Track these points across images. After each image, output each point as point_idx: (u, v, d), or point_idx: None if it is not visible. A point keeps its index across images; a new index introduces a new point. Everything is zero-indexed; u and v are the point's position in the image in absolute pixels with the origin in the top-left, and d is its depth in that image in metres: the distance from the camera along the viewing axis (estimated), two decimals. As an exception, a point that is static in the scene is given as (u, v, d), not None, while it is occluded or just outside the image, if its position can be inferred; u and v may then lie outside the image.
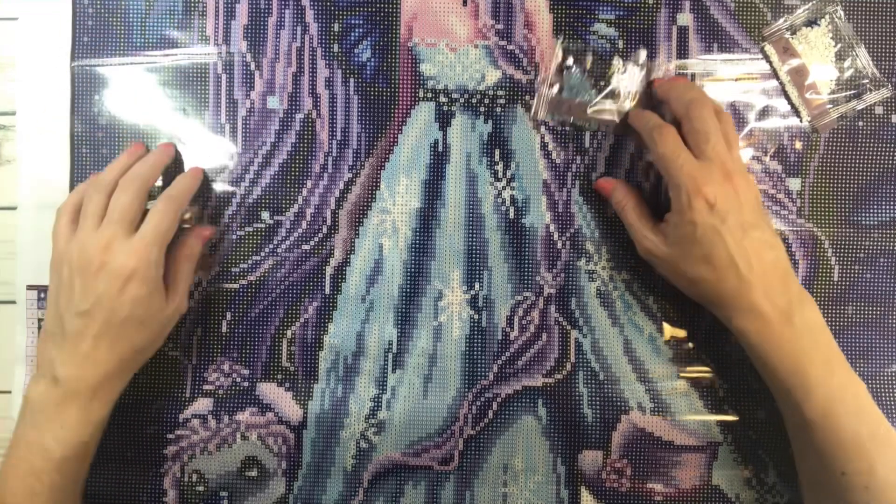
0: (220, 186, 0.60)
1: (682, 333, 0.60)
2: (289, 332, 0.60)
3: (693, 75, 0.59)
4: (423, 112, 0.60)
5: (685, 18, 0.60)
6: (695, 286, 0.54)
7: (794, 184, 0.60)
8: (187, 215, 0.58)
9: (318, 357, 0.60)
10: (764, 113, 0.60)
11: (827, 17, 0.59)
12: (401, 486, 0.60)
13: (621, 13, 0.60)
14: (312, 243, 0.60)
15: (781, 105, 0.60)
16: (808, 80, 0.59)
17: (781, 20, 0.59)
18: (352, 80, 0.60)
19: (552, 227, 0.60)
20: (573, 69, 0.59)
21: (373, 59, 0.60)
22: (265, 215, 0.60)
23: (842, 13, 0.59)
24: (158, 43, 0.60)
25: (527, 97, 0.60)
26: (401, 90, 0.60)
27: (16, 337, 0.61)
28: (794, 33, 0.59)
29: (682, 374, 0.60)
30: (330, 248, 0.60)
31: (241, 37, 0.60)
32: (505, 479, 0.60)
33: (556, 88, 0.59)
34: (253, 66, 0.60)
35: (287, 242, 0.60)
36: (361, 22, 0.60)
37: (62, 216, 0.54)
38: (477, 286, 0.60)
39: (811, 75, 0.59)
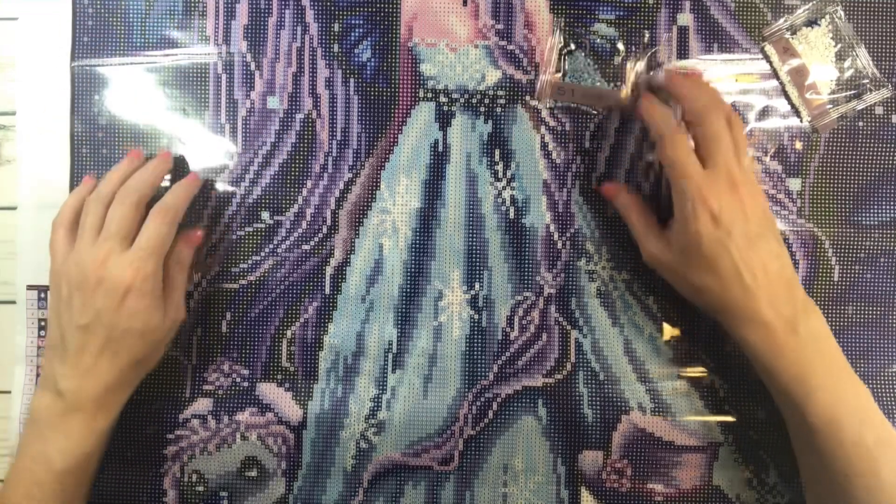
0: (220, 186, 0.60)
1: (681, 333, 0.60)
2: (289, 333, 0.60)
3: (693, 75, 0.60)
4: (423, 112, 0.60)
5: (685, 18, 0.60)
6: (699, 294, 0.53)
7: (795, 184, 0.60)
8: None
9: (318, 357, 0.60)
10: (764, 113, 0.60)
11: (827, 17, 0.59)
12: (401, 486, 0.60)
13: (621, 13, 0.60)
14: (312, 243, 0.60)
15: (781, 105, 0.60)
16: (808, 80, 0.59)
17: (781, 20, 0.59)
18: (352, 80, 0.60)
19: (552, 227, 0.60)
20: (575, 53, 0.59)
21: (373, 60, 0.60)
22: (265, 215, 0.60)
23: (842, 13, 0.59)
24: (158, 43, 0.60)
25: (527, 97, 0.60)
26: (401, 90, 0.60)
27: (16, 337, 0.61)
28: (794, 33, 0.59)
29: (682, 374, 0.60)
30: (330, 248, 0.60)
31: (242, 37, 0.60)
32: (505, 479, 0.60)
33: (558, 73, 0.59)
34: (253, 66, 0.60)
35: (287, 242, 0.60)
36: (361, 22, 0.60)
37: (58, 229, 0.55)
38: (477, 286, 0.60)
39: (811, 75, 0.59)
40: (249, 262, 0.60)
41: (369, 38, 0.60)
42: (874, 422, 0.51)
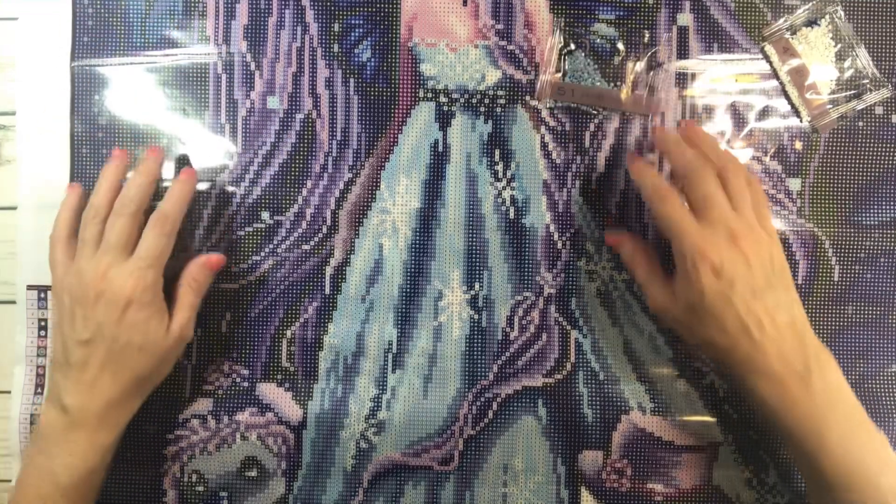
0: (219, 186, 0.60)
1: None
2: (288, 333, 0.60)
3: (693, 75, 0.59)
4: (423, 112, 0.60)
5: (685, 18, 0.60)
6: (707, 347, 0.53)
7: (794, 184, 0.60)
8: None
9: (318, 357, 0.60)
10: (764, 113, 0.60)
11: (827, 17, 0.59)
12: (401, 486, 0.60)
13: (621, 13, 0.60)
14: (312, 243, 0.60)
15: (781, 105, 0.60)
16: (808, 80, 0.59)
17: (781, 20, 0.59)
18: (352, 80, 0.60)
19: (552, 227, 0.60)
20: (575, 53, 0.59)
21: (373, 59, 0.60)
22: (265, 215, 0.60)
23: (842, 13, 0.59)
24: (158, 43, 0.60)
25: (527, 97, 0.60)
26: (401, 90, 0.60)
27: (16, 337, 0.61)
28: (794, 33, 0.59)
29: (682, 374, 0.60)
30: (330, 248, 0.60)
31: (242, 37, 0.60)
32: (505, 479, 0.60)
33: (558, 73, 0.59)
34: (253, 66, 0.60)
35: (287, 242, 0.60)
36: (361, 22, 0.60)
37: (56, 244, 0.55)
38: (477, 286, 0.60)
39: (811, 75, 0.59)
40: (249, 262, 0.60)
41: (369, 38, 0.60)
42: (893, 469, 0.49)
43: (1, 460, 0.62)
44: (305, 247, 0.60)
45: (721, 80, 0.60)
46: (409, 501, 0.60)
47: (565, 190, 0.60)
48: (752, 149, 0.60)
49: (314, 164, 0.60)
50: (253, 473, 0.60)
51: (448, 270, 0.60)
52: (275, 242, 0.60)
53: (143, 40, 0.60)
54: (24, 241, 0.60)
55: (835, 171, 0.60)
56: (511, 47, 0.60)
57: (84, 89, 0.60)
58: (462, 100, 0.60)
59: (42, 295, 0.60)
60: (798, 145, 0.60)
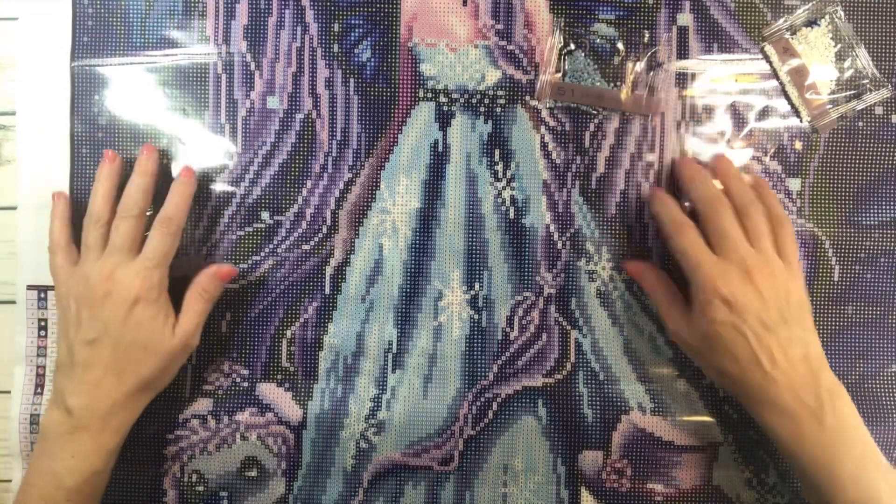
0: (219, 186, 0.60)
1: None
2: (288, 333, 0.60)
3: (693, 75, 0.59)
4: (423, 112, 0.60)
5: (685, 18, 0.60)
6: (721, 377, 0.54)
7: (794, 184, 0.60)
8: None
9: (318, 357, 0.60)
10: (764, 113, 0.60)
11: (827, 17, 0.59)
12: (401, 486, 0.60)
13: (621, 13, 0.60)
14: (312, 243, 0.60)
15: (781, 105, 0.60)
16: (808, 80, 0.59)
17: (781, 20, 0.59)
18: (352, 80, 0.60)
19: (552, 227, 0.60)
20: (575, 53, 0.59)
21: (373, 60, 0.60)
22: (265, 215, 0.60)
23: (842, 13, 0.59)
24: (158, 43, 0.60)
25: (527, 97, 0.60)
26: (401, 90, 0.60)
27: (16, 337, 0.61)
28: (794, 33, 0.59)
29: (681, 374, 0.60)
30: (330, 248, 0.60)
31: (241, 37, 0.60)
32: (505, 479, 0.60)
33: (558, 73, 0.59)
34: (253, 67, 0.60)
35: (287, 242, 0.60)
36: (361, 22, 0.60)
37: (56, 253, 0.56)
38: (477, 286, 0.60)
39: (811, 75, 0.59)
40: (249, 262, 0.60)
41: (369, 38, 0.60)
42: None
43: (1, 460, 0.62)
44: (305, 247, 0.60)
45: (721, 81, 0.60)
46: (409, 501, 0.60)
47: (565, 190, 0.60)
48: (752, 149, 0.60)
49: (314, 164, 0.60)
50: (253, 473, 0.60)
51: (448, 270, 0.60)
52: (275, 242, 0.60)
53: (143, 40, 0.60)
54: (24, 241, 0.60)
55: (835, 172, 0.60)
56: (511, 47, 0.60)
57: (84, 89, 0.60)
58: (462, 100, 0.60)
59: (42, 295, 0.60)
60: (798, 145, 0.60)
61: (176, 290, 0.56)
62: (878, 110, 0.60)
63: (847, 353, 0.60)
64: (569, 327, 0.60)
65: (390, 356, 0.60)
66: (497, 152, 0.60)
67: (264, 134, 0.60)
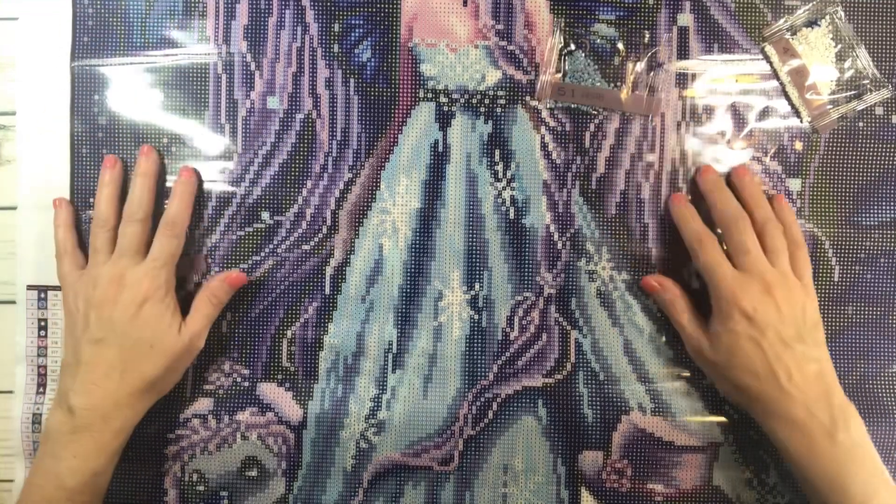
0: (219, 187, 0.60)
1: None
2: (289, 333, 0.60)
3: (693, 75, 0.59)
4: (423, 112, 0.60)
5: (685, 19, 0.60)
6: (738, 392, 0.54)
7: (795, 184, 0.60)
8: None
9: (318, 357, 0.60)
10: (764, 113, 0.60)
11: (827, 17, 0.59)
12: (401, 486, 0.60)
13: (621, 14, 0.59)
14: (312, 243, 0.60)
15: (782, 106, 0.60)
16: (808, 80, 0.59)
17: (782, 21, 0.59)
18: (352, 80, 0.60)
19: (552, 228, 0.60)
20: (575, 53, 0.59)
21: (373, 60, 0.60)
22: (265, 215, 0.60)
23: (842, 14, 0.59)
24: (158, 43, 0.60)
25: (527, 97, 0.60)
26: (401, 90, 0.60)
27: (16, 337, 0.61)
28: (794, 34, 0.59)
29: (682, 375, 0.60)
30: (330, 248, 0.60)
31: (242, 37, 0.60)
32: (505, 479, 0.60)
33: (558, 73, 0.59)
34: (253, 67, 0.60)
35: (287, 242, 0.60)
36: (362, 22, 0.60)
37: (62, 258, 0.57)
38: (477, 286, 0.60)
39: (811, 76, 0.59)
40: (249, 262, 0.60)
41: (369, 39, 0.60)
42: None
43: (2, 460, 0.62)
44: (305, 247, 0.60)
45: (721, 81, 0.60)
46: (409, 501, 0.60)
47: (565, 190, 0.60)
48: (752, 149, 0.60)
49: (314, 164, 0.60)
50: (253, 473, 0.60)
51: (448, 271, 0.60)
52: (275, 242, 0.60)
53: (143, 40, 0.60)
54: (24, 241, 0.60)
55: (835, 172, 0.60)
56: (511, 47, 0.60)
57: (84, 89, 0.60)
58: (462, 100, 0.60)
59: (42, 295, 0.60)
60: (798, 146, 0.60)
61: (176, 290, 0.57)
62: (879, 111, 0.60)
63: (847, 353, 0.60)
64: (569, 327, 0.60)
65: (390, 356, 0.60)
66: (497, 152, 0.60)
67: (264, 134, 0.60)
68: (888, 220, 0.60)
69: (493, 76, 0.60)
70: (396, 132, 0.60)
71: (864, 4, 0.59)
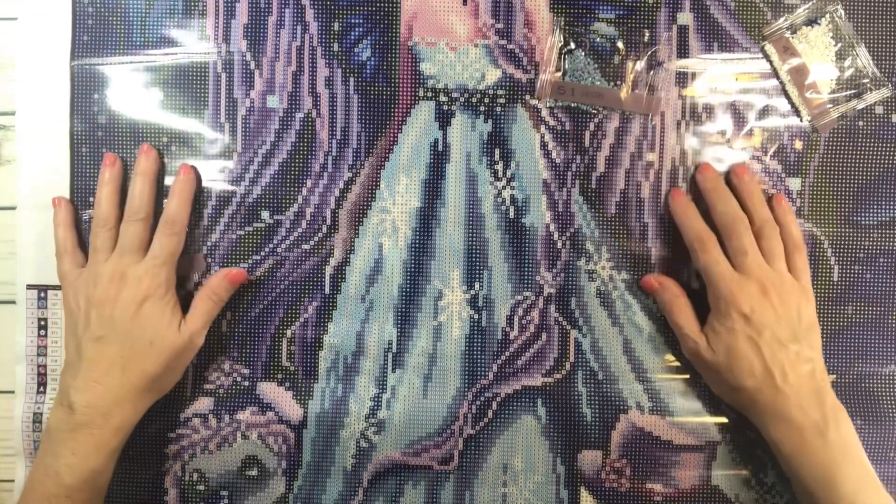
0: (219, 186, 0.60)
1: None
2: (289, 332, 0.60)
3: (693, 74, 0.59)
4: (423, 111, 0.60)
5: (685, 17, 0.59)
6: (734, 393, 0.55)
7: (794, 183, 0.60)
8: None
9: (318, 357, 0.60)
10: (764, 112, 0.60)
11: (827, 16, 0.59)
12: (400, 485, 0.60)
13: (621, 12, 0.59)
14: (312, 243, 0.60)
15: (782, 104, 0.60)
16: (808, 79, 0.59)
17: (782, 19, 0.59)
18: (352, 79, 0.60)
19: (552, 227, 0.60)
20: (575, 52, 0.59)
21: (373, 59, 0.60)
22: (265, 215, 0.60)
23: (842, 12, 0.59)
24: (158, 42, 0.60)
25: (527, 96, 0.60)
26: (401, 89, 0.60)
27: (16, 337, 0.61)
28: (794, 32, 0.59)
29: (681, 374, 0.60)
30: (330, 247, 0.60)
31: (241, 36, 0.60)
32: (504, 478, 0.60)
33: (558, 72, 0.59)
34: (253, 66, 0.60)
35: (287, 242, 0.60)
36: (361, 21, 0.60)
37: (63, 257, 0.57)
38: (477, 286, 0.60)
39: (811, 75, 0.59)
40: (249, 261, 0.60)
41: (369, 37, 0.60)
42: None
43: (3, 460, 0.62)
44: (305, 246, 0.60)
45: (721, 80, 0.60)
46: (409, 501, 0.60)
47: (565, 189, 0.60)
48: (751, 148, 0.60)
49: (314, 163, 0.60)
50: (253, 472, 0.60)
51: (448, 270, 0.60)
52: (275, 242, 0.60)
53: (142, 39, 0.60)
54: (24, 241, 0.60)
55: (835, 171, 0.60)
56: (511, 46, 0.60)
57: (84, 88, 0.60)
58: (462, 99, 0.60)
59: (42, 294, 0.61)
60: (798, 145, 0.60)
61: (176, 289, 0.57)
62: (879, 109, 0.60)
63: (846, 352, 0.60)
64: (568, 327, 0.60)
65: (390, 355, 0.60)
66: (497, 151, 0.60)
67: (264, 133, 0.60)
68: (888, 219, 0.60)
69: (493, 75, 0.60)
70: (396, 131, 0.60)
71: (865, 3, 0.59)
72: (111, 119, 0.60)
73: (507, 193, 0.60)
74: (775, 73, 0.60)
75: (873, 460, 0.54)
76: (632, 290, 0.60)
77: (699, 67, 0.60)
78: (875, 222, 0.60)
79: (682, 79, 0.60)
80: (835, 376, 0.60)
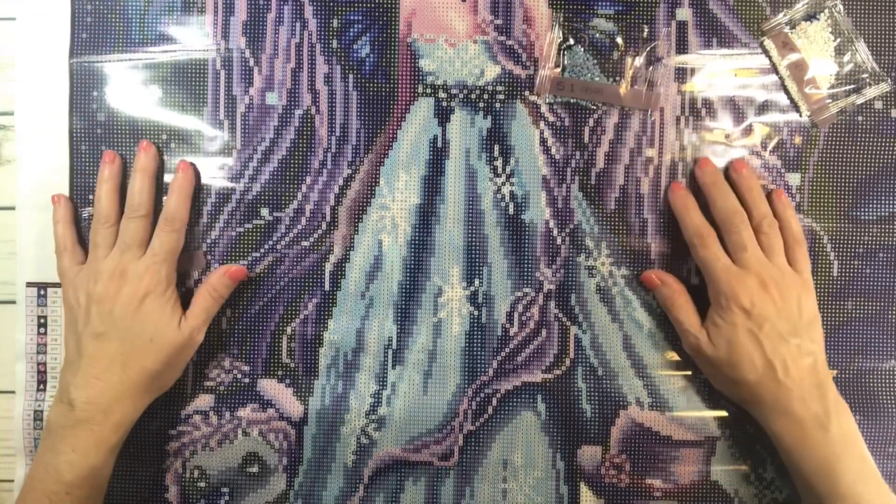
0: (218, 183, 0.60)
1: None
2: (289, 329, 0.60)
3: (692, 70, 0.59)
4: (422, 108, 0.60)
5: (684, 13, 0.59)
6: (735, 387, 0.55)
7: (794, 179, 0.60)
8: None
9: (319, 353, 0.60)
10: (763, 108, 0.60)
11: (826, 11, 0.59)
12: (401, 481, 0.60)
13: (620, 8, 0.59)
14: (312, 240, 0.60)
15: (781, 100, 0.60)
16: (807, 74, 0.59)
17: (781, 15, 0.59)
18: (351, 75, 0.60)
19: (552, 223, 0.60)
20: (574, 48, 0.59)
21: (372, 55, 0.60)
22: (264, 212, 0.60)
23: (841, 7, 0.59)
24: (157, 39, 0.60)
25: (526, 92, 0.60)
26: (400, 86, 0.60)
27: (16, 336, 0.61)
28: (793, 28, 0.59)
29: (680, 370, 0.60)
30: (329, 244, 0.60)
31: (240, 33, 0.60)
32: (505, 474, 0.60)
33: (557, 68, 0.59)
34: (252, 63, 0.60)
35: (286, 239, 0.60)
36: (360, 18, 0.60)
37: (62, 254, 0.57)
38: (476, 282, 0.60)
39: (810, 70, 0.59)
40: (249, 258, 0.60)
41: (368, 34, 0.60)
42: None
43: (3, 460, 0.62)
44: (305, 243, 0.60)
45: (720, 75, 0.59)
46: (410, 497, 0.60)
47: (564, 185, 0.60)
48: (751, 143, 0.60)
49: (313, 160, 0.60)
50: (254, 469, 0.60)
51: (448, 266, 0.60)
52: (274, 239, 0.60)
53: (141, 37, 0.60)
54: (24, 240, 0.60)
55: (834, 166, 0.60)
56: (510, 42, 0.60)
57: (83, 86, 0.60)
58: (461, 95, 0.60)
59: (42, 292, 0.61)
60: (797, 140, 0.60)
61: (176, 286, 0.57)
62: (878, 104, 0.60)
63: (846, 348, 0.60)
64: (568, 323, 0.60)
65: (390, 352, 0.60)
66: (496, 148, 0.60)
67: (263, 130, 0.60)
68: (887, 214, 0.60)
69: (492, 71, 0.60)
70: (395, 128, 0.60)
71: (864, -2, 0.59)
72: (110, 116, 0.60)
73: (506, 190, 0.60)
74: (774, 69, 0.60)
75: (873, 456, 0.54)
76: (632, 285, 0.60)
77: (698, 63, 0.59)
78: (875, 217, 0.60)
79: (682, 74, 0.59)
80: (835, 372, 0.60)
